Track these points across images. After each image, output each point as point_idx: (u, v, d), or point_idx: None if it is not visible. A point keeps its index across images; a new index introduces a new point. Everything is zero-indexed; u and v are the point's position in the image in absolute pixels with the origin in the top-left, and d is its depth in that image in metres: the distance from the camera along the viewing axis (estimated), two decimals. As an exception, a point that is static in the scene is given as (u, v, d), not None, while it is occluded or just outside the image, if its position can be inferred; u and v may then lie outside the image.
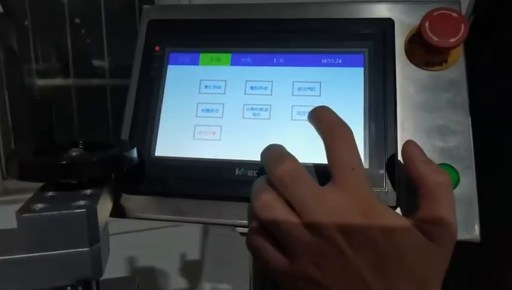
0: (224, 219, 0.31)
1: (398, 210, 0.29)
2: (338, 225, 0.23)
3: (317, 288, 0.24)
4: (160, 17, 0.37)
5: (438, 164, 0.29)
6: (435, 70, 0.32)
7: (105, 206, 0.28)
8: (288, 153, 0.26)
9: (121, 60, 1.65)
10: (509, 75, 0.40)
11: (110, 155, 0.28)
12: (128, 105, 0.35)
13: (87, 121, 1.65)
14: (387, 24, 0.33)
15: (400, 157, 0.29)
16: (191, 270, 1.57)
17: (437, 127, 0.31)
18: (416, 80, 0.32)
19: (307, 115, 0.28)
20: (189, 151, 0.33)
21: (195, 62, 0.35)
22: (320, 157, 0.27)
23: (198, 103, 0.34)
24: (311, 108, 0.28)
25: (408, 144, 0.28)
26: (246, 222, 0.31)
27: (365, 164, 0.30)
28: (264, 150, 0.27)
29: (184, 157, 0.33)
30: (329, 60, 0.33)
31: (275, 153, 0.26)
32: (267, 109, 0.33)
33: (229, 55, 0.35)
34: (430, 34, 0.30)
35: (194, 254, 1.56)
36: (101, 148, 0.30)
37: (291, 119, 0.32)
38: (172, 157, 0.33)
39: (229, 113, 0.33)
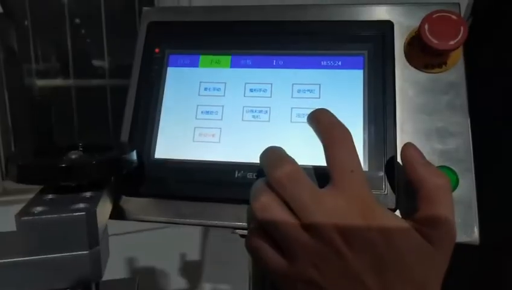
0: (224, 221, 0.31)
1: (398, 212, 0.29)
2: (337, 227, 0.23)
3: (316, 290, 0.24)
4: (160, 19, 0.37)
5: (437, 166, 0.29)
6: (434, 73, 0.32)
7: (104, 208, 0.28)
8: (288, 155, 0.26)
9: (121, 60, 1.65)
10: (509, 75, 0.40)
11: (110, 158, 0.28)
12: (127, 107, 0.35)
13: (87, 121, 1.65)
14: (387, 26, 0.33)
15: (399, 160, 0.29)
16: (191, 271, 1.57)
17: (436, 129, 0.31)
18: (416, 82, 0.32)
19: (306, 117, 0.28)
20: (189, 153, 0.33)
21: (194, 64, 0.35)
22: (319, 159, 0.27)
23: (197, 105, 0.34)
24: (311, 110, 0.28)
25: (407, 146, 0.28)
26: (246, 224, 0.31)
27: (364, 166, 0.30)
28: (263, 152, 0.27)
29: (183, 160, 0.33)
30: (328, 62, 0.33)
31: (274, 155, 0.26)
32: (266, 111, 0.33)
33: (229, 58, 0.35)
34: (429, 37, 0.30)
35: (194, 255, 1.56)
36: (100, 151, 0.30)
37: (291, 121, 0.32)
38: (171, 159, 0.33)
39: (229, 116, 0.33)
